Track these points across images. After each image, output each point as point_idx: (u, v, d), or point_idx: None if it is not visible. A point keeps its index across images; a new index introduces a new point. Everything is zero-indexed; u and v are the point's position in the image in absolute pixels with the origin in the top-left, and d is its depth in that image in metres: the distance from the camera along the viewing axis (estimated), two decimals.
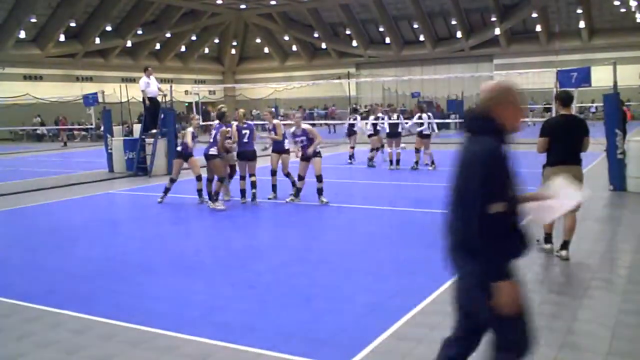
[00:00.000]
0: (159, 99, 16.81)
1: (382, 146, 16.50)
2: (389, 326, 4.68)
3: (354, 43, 46.65)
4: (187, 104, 39.45)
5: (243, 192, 11.06)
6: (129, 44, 42.04)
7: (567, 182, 3.39)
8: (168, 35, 44.65)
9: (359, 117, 19.15)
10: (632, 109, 29.77)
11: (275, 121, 11.61)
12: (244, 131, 10.92)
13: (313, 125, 17.57)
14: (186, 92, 36.61)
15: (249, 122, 11.69)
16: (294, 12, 46.93)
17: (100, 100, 18.88)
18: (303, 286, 5.93)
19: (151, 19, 42.48)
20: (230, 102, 44.12)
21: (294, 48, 49.91)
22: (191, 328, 4.80)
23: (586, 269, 6.33)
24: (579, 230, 6.69)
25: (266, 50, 50.95)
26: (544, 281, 6.03)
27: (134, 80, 29.06)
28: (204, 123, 20.89)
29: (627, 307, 5.08)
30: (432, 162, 15.52)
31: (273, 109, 14.28)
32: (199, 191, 11.17)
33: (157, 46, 45.67)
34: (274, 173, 11.45)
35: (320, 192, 10.56)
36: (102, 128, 21.88)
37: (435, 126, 16.58)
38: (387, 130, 15.89)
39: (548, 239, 6.84)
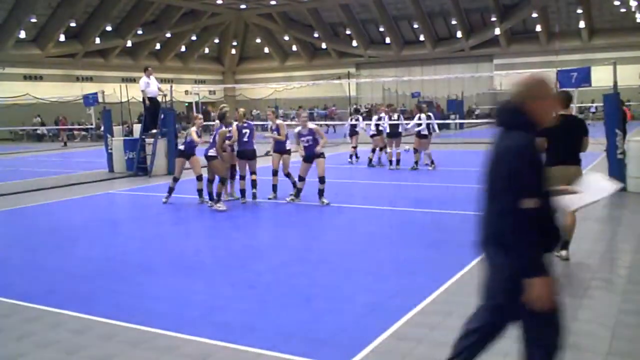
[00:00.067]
0: (159, 99, 16.81)
1: (385, 146, 16.45)
2: (389, 326, 4.68)
3: (354, 43, 46.66)
4: (187, 104, 39.45)
5: (243, 192, 11.06)
6: (129, 44, 42.05)
7: (601, 177, 3.38)
8: (168, 35, 44.66)
9: (360, 118, 19.15)
10: (632, 109, 29.77)
11: (278, 121, 11.62)
12: (244, 130, 10.93)
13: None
14: (186, 92, 36.60)
15: (249, 121, 11.70)
16: (294, 12, 46.94)
17: (100, 100, 18.88)
18: (303, 286, 5.93)
19: (151, 19, 42.49)
20: (230, 102, 44.03)
21: (294, 48, 49.93)
22: (191, 328, 4.80)
23: (586, 269, 6.33)
24: (579, 230, 6.69)
25: (266, 50, 50.96)
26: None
27: (134, 80, 29.08)
28: (204, 123, 20.86)
29: (627, 307, 5.08)
30: (432, 162, 15.53)
31: (274, 109, 14.23)
32: (199, 191, 11.18)
33: (157, 46, 45.69)
34: (275, 173, 11.45)
35: (321, 193, 10.53)
36: (102, 128, 21.89)
37: (436, 126, 16.56)
38: (387, 131, 15.89)
39: None
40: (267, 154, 12.20)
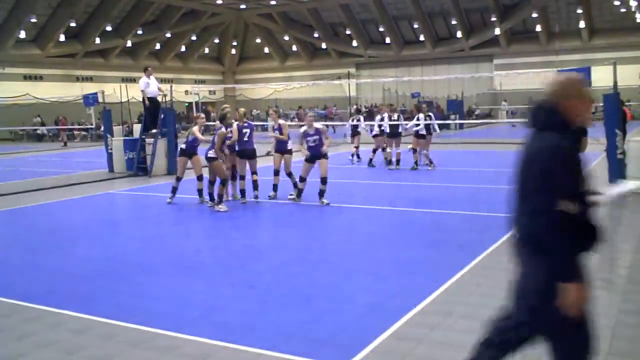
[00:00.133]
0: (159, 99, 16.81)
1: (386, 146, 16.42)
2: (389, 326, 4.68)
3: (354, 43, 46.67)
4: (187, 104, 39.47)
5: (243, 192, 11.06)
6: (129, 44, 42.05)
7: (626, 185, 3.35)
8: (168, 35, 44.66)
9: (362, 118, 19.13)
10: (632, 109, 29.77)
11: (281, 121, 11.64)
12: (244, 130, 10.95)
13: None
14: (186, 92, 36.61)
15: (249, 121, 11.72)
16: (294, 12, 46.94)
17: (100, 100, 18.89)
18: (303, 286, 5.93)
19: (151, 19, 42.49)
20: (231, 102, 44.04)
21: (294, 48, 49.93)
22: (191, 328, 4.80)
23: (586, 268, 6.31)
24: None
25: (266, 50, 50.96)
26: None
27: (134, 80, 29.06)
28: (205, 123, 20.88)
29: (627, 307, 5.08)
30: (431, 162, 15.55)
31: (277, 108, 14.20)
32: (199, 191, 11.17)
33: (157, 46, 45.68)
34: (276, 173, 11.47)
35: (322, 193, 10.52)
36: (102, 128, 21.88)
37: (436, 126, 16.55)
38: (387, 131, 15.88)
39: None
40: (267, 154, 12.18)
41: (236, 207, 10.74)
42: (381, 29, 45.41)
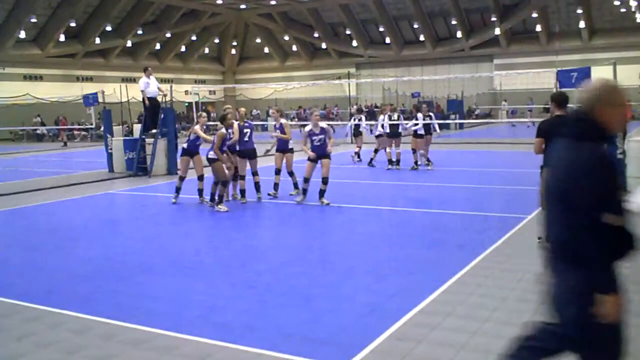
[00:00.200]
0: (159, 99, 16.81)
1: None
2: (389, 326, 4.68)
3: (354, 43, 46.67)
4: (187, 104, 39.49)
5: (243, 192, 11.06)
6: (129, 44, 42.05)
7: None
8: (168, 35, 44.65)
9: (363, 117, 19.10)
10: (632, 109, 29.76)
11: (283, 120, 11.64)
12: (245, 130, 10.96)
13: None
14: (186, 92, 36.62)
15: (249, 121, 11.74)
16: (294, 12, 46.94)
17: (100, 100, 18.88)
18: (303, 286, 5.92)
19: (151, 19, 42.49)
20: (231, 102, 44.10)
21: (294, 48, 49.93)
22: (191, 328, 4.80)
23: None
24: None
25: (266, 50, 50.96)
26: (544, 281, 6.02)
27: (134, 80, 29.07)
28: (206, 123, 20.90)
29: (626, 307, 5.07)
30: (428, 161, 15.56)
31: (278, 107, 14.18)
32: (200, 191, 11.17)
33: (157, 46, 45.67)
34: (277, 172, 11.48)
35: (322, 193, 10.51)
36: (102, 128, 21.88)
37: (436, 126, 16.55)
38: (387, 131, 15.88)
39: None
40: (266, 152, 12.17)
41: (236, 207, 10.74)
42: (381, 29, 45.40)
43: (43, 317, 5.23)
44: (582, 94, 2.78)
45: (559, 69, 14.52)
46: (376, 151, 16.63)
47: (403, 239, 7.97)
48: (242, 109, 11.66)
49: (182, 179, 11.25)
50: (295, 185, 11.69)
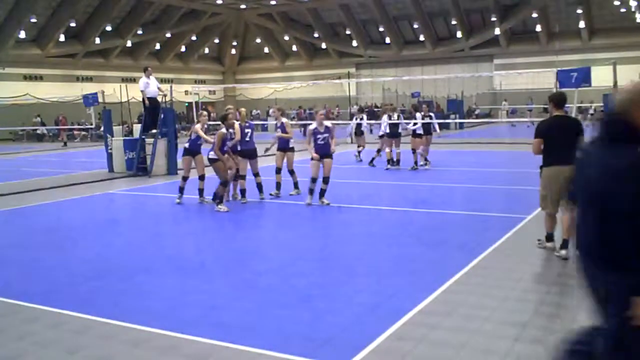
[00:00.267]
0: (159, 99, 16.81)
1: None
2: (389, 326, 4.68)
3: (354, 43, 46.65)
4: (187, 104, 39.47)
5: (243, 192, 11.06)
6: (129, 44, 42.03)
7: None
8: (168, 35, 44.64)
9: (365, 117, 19.09)
10: None
11: (284, 119, 11.64)
12: (246, 130, 10.98)
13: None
14: (186, 92, 36.61)
15: (250, 121, 11.76)
16: (294, 12, 46.93)
17: (100, 100, 18.89)
18: (303, 286, 5.92)
19: (151, 19, 42.48)
20: (231, 102, 44.06)
21: (294, 48, 49.91)
22: (191, 328, 4.80)
23: None
24: None
25: (266, 50, 50.95)
26: (543, 281, 6.03)
27: (134, 80, 29.08)
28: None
29: None
30: (426, 160, 15.58)
31: (280, 106, 14.19)
32: (200, 190, 11.16)
33: (157, 46, 45.66)
34: (278, 171, 11.49)
35: (322, 193, 10.50)
36: (102, 128, 21.89)
37: (436, 126, 16.56)
38: (387, 131, 15.88)
39: (549, 237, 6.85)
40: (266, 151, 12.16)
41: (236, 207, 10.74)
42: (381, 29, 45.38)
43: (43, 317, 5.23)
44: (620, 95, 2.75)
45: (558, 69, 14.54)
46: (379, 151, 16.63)
47: (403, 239, 7.97)
48: (243, 110, 11.67)
49: (185, 179, 11.24)
50: (296, 185, 11.69)
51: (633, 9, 37.44)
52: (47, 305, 5.50)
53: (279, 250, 7.69)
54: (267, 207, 10.91)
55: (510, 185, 12.21)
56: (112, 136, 17.51)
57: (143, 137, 16.42)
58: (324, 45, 47.92)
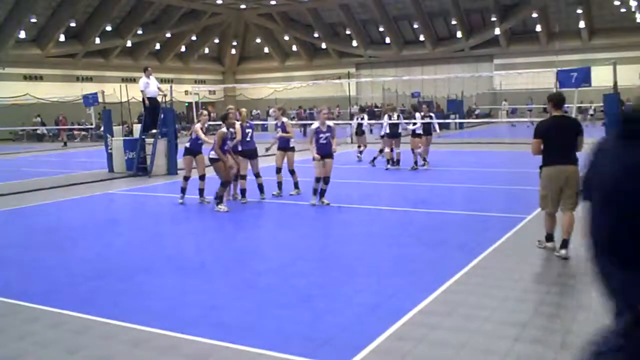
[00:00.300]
0: (159, 99, 16.81)
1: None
2: (389, 326, 4.68)
3: (354, 43, 46.66)
4: (187, 104, 39.47)
5: (243, 192, 11.06)
6: (129, 44, 42.04)
7: None
8: (168, 35, 44.65)
9: (366, 117, 19.09)
10: None
11: (284, 119, 11.64)
12: (247, 130, 10.99)
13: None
14: (186, 92, 36.61)
15: (250, 121, 11.77)
16: (294, 12, 46.94)
17: (100, 100, 18.88)
18: (303, 286, 5.92)
19: (151, 19, 42.49)
20: (231, 102, 44.06)
21: (294, 48, 49.93)
22: (191, 328, 4.80)
23: (586, 268, 6.32)
24: (578, 229, 6.69)
25: (266, 50, 50.96)
26: (543, 281, 6.03)
27: (134, 80, 29.07)
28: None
29: None
30: (425, 160, 15.59)
31: (280, 106, 14.20)
32: (201, 190, 11.15)
33: (157, 46, 45.67)
34: (278, 171, 11.49)
35: (323, 193, 10.50)
36: (102, 128, 21.89)
37: (436, 126, 16.56)
38: (387, 131, 15.87)
39: (549, 237, 6.85)
40: (266, 150, 12.17)
41: (236, 207, 10.74)
42: (381, 29, 45.39)
43: (43, 317, 5.23)
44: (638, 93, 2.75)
45: (558, 69, 14.53)
46: (381, 151, 16.61)
47: (403, 239, 7.97)
48: (244, 110, 11.68)
49: (186, 178, 11.22)
50: (296, 185, 11.70)
51: (633, 9, 37.45)
52: (47, 305, 5.50)
53: (279, 250, 7.69)
54: (267, 207, 10.91)
55: (510, 185, 12.21)
56: (112, 136, 17.51)
57: (143, 137, 16.42)
58: (324, 45, 47.94)
